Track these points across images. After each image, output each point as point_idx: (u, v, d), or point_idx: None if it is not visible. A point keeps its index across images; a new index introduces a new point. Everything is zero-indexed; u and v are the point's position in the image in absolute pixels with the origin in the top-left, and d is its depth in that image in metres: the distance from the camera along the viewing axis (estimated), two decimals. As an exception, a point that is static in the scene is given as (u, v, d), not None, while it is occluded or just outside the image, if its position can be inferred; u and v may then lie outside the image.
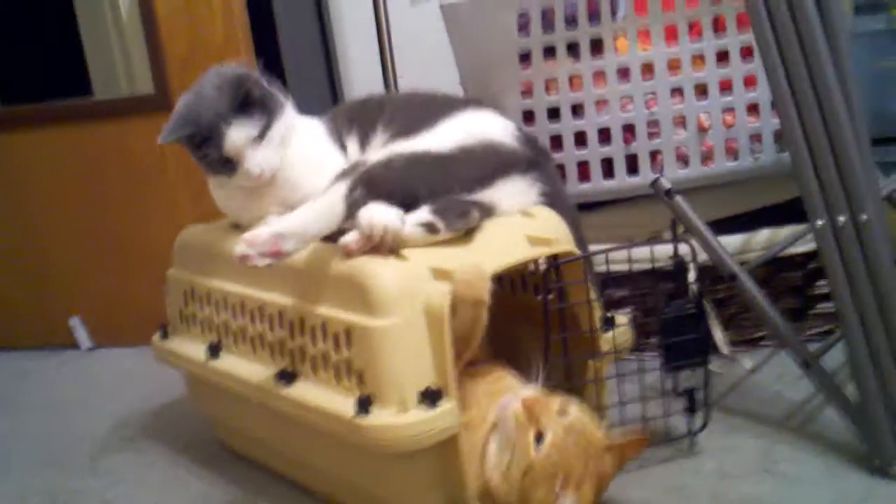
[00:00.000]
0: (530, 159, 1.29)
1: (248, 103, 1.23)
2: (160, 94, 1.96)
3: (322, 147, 1.32)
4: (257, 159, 1.24)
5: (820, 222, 1.19)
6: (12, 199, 2.12)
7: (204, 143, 1.23)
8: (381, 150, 1.27)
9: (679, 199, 1.34)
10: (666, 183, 1.34)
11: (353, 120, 1.35)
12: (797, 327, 1.62)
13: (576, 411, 1.11)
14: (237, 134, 1.22)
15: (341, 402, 1.10)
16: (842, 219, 1.17)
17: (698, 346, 1.29)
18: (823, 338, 1.54)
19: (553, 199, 1.30)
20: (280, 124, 1.27)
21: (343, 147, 1.33)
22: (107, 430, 1.64)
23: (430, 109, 1.32)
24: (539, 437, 1.07)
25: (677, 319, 1.27)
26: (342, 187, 1.16)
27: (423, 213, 1.15)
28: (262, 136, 1.24)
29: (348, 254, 1.12)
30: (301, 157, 1.29)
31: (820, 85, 1.17)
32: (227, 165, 1.24)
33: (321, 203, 1.16)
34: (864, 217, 1.16)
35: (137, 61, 2.05)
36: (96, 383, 1.93)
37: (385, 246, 1.12)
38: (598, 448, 1.10)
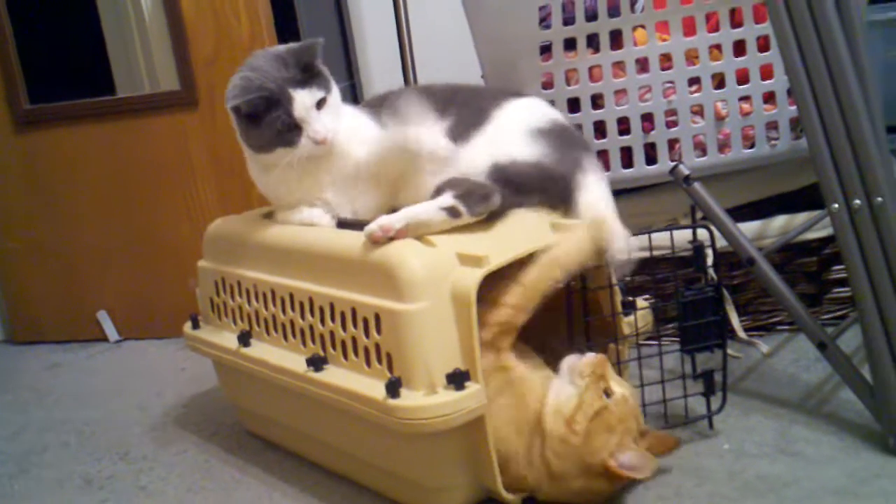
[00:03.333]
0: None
1: (310, 71, 1.29)
2: (186, 91, 1.99)
3: (364, 120, 1.36)
4: (323, 122, 1.28)
5: (836, 206, 1.21)
6: (41, 197, 2.16)
7: (271, 109, 1.27)
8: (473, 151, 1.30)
9: (697, 185, 1.36)
10: (685, 169, 1.36)
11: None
12: (813, 312, 1.65)
13: (623, 389, 1.17)
14: (307, 96, 1.27)
15: (371, 386, 1.13)
16: (857, 202, 1.19)
17: (716, 329, 1.31)
18: (838, 322, 1.57)
19: None
20: (336, 93, 1.33)
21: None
22: (137, 419, 1.68)
23: (480, 100, 1.36)
24: (607, 394, 1.13)
25: (696, 303, 1.30)
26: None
27: (447, 198, 1.18)
28: (323, 102, 1.29)
29: (374, 241, 1.16)
30: (350, 128, 1.33)
31: (836, 72, 1.19)
32: (291, 133, 1.28)
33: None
34: (880, 200, 1.18)
35: (159, 61, 2.08)
36: (125, 374, 1.97)
37: (408, 232, 1.16)
38: (640, 418, 1.17)
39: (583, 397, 1.12)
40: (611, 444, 1.11)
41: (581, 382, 1.14)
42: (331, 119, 1.30)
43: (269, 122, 1.27)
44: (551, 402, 1.14)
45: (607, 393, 1.14)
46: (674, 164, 1.38)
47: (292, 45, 1.32)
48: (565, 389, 1.14)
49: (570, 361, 1.17)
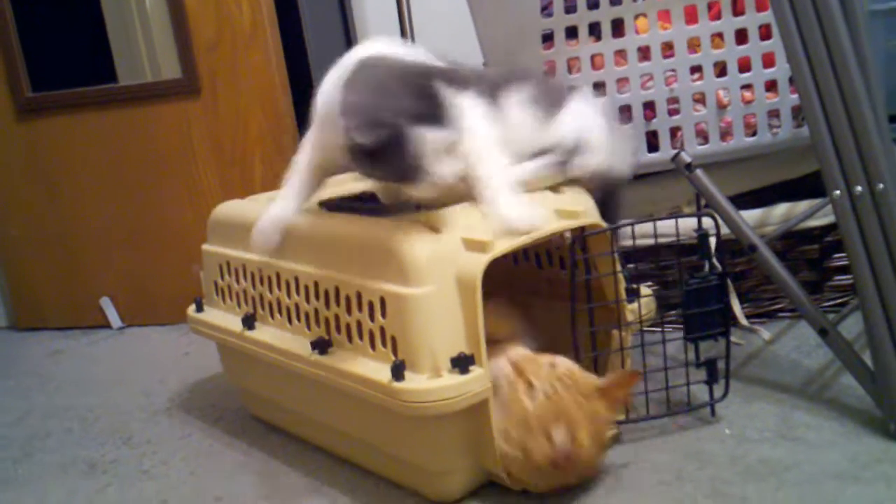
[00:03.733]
0: None
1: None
2: (188, 78, 2.00)
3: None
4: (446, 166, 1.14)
5: (837, 193, 1.21)
6: (44, 184, 2.16)
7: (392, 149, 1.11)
8: None
9: (699, 172, 1.37)
10: (686, 157, 1.37)
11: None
12: (815, 299, 1.65)
13: (564, 363, 1.17)
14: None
15: (376, 369, 1.14)
16: (859, 189, 1.20)
17: (720, 318, 1.32)
18: (839, 310, 1.58)
19: None
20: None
21: None
22: (141, 404, 1.69)
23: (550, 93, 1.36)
24: (530, 389, 1.13)
25: (700, 291, 1.30)
26: None
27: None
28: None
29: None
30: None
31: (838, 60, 1.19)
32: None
33: None
34: (881, 187, 1.19)
35: (161, 48, 2.09)
36: (128, 360, 1.98)
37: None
38: (590, 392, 1.16)
39: (510, 409, 1.13)
40: (547, 447, 1.11)
41: (505, 394, 1.14)
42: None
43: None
44: (494, 425, 1.14)
45: (531, 387, 1.15)
46: (675, 151, 1.38)
47: (416, 72, 1.16)
48: (497, 407, 1.15)
49: (495, 372, 1.16)
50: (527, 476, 1.15)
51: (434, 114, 1.11)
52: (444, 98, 1.12)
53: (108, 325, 2.20)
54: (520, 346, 1.22)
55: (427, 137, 1.09)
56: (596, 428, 1.15)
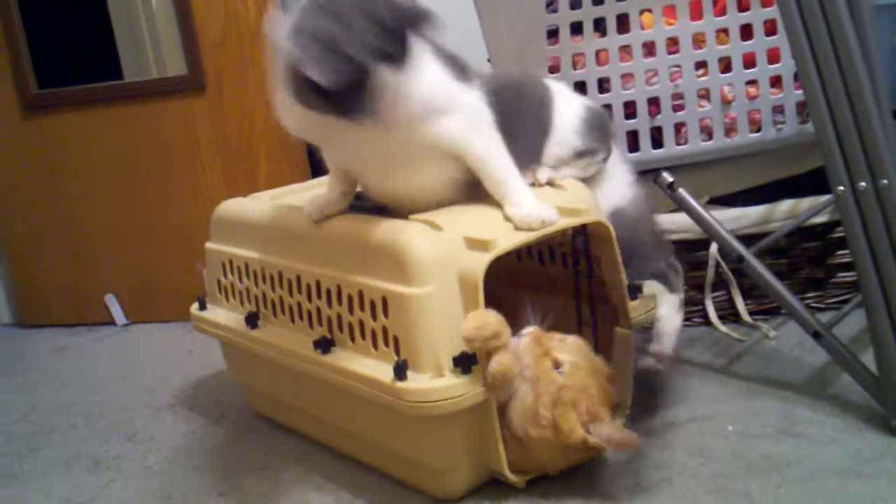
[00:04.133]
0: None
1: None
2: (194, 75, 2.00)
3: None
4: None
5: (841, 188, 1.21)
6: (49, 180, 2.17)
7: None
8: None
9: (682, 191, 1.37)
10: (668, 177, 1.39)
11: None
12: (817, 296, 1.66)
13: (573, 337, 1.18)
14: None
15: (378, 368, 1.14)
16: (863, 184, 1.20)
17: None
18: (842, 307, 1.57)
19: None
20: None
21: None
22: (145, 401, 1.69)
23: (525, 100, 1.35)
24: (556, 365, 1.13)
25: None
26: None
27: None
28: None
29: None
30: None
31: (843, 56, 1.19)
32: None
33: None
34: (885, 182, 1.18)
35: (167, 45, 2.09)
36: (132, 357, 1.98)
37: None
38: (601, 369, 1.18)
39: (536, 388, 1.12)
40: (582, 417, 1.11)
41: (532, 370, 1.13)
42: None
43: None
44: (516, 409, 1.14)
45: (557, 365, 1.14)
46: (657, 172, 1.38)
47: None
48: (520, 387, 1.13)
49: (514, 351, 1.15)
50: (549, 456, 1.15)
51: (397, 53, 1.07)
52: (407, 36, 1.08)
53: (112, 322, 2.20)
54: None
55: (389, 80, 1.07)
56: (610, 404, 1.16)
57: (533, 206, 1.18)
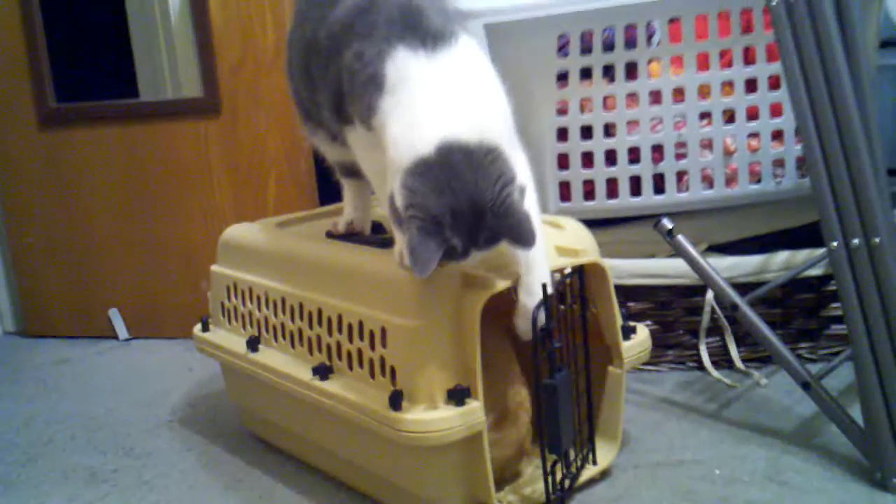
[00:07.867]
0: None
1: None
2: (209, 97, 2.04)
3: None
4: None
5: (834, 244, 1.24)
6: (60, 194, 2.20)
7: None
8: None
9: (680, 237, 1.40)
10: (668, 223, 1.41)
11: None
12: (810, 347, 1.68)
13: None
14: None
15: (374, 397, 1.16)
16: (856, 241, 1.22)
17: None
18: (834, 358, 1.59)
19: None
20: None
21: None
22: (143, 415, 1.71)
23: None
24: None
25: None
26: None
27: None
28: None
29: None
30: None
31: (842, 115, 1.22)
32: None
33: None
34: (877, 241, 1.21)
35: (184, 67, 2.13)
36: (133, 371, 2.00)
37: None
38: None
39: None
40: None
41: None
42: None
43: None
44: None
45: None
46: (657, 219, 1.41)
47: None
48: None
49: None
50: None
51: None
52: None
53: (115, 336, 2.22)
54: None
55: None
56: None
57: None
